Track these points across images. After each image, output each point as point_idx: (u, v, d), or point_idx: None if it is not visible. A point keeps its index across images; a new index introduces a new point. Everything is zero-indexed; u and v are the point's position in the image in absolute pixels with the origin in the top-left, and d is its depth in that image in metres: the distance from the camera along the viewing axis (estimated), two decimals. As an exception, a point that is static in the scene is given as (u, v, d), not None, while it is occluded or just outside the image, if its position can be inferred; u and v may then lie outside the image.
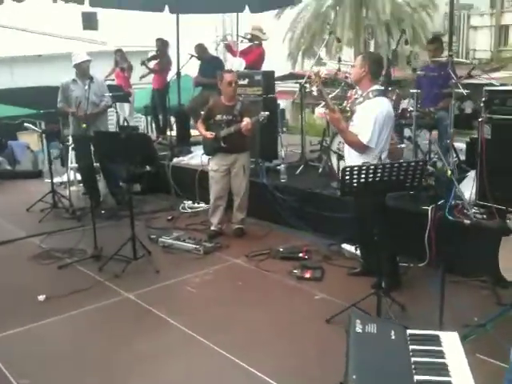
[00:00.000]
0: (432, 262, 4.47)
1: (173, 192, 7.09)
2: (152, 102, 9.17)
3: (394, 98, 5.61)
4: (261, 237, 5.49)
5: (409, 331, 1.82)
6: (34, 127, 7.34)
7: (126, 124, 8.76)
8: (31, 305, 4.08)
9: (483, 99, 4.30)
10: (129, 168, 5.17)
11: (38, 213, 6.51)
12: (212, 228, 5.58)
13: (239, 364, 3.22)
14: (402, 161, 3.71)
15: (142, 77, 9.57)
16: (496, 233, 3.72)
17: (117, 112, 8.09)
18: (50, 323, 3.82)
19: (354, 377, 1.59)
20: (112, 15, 18.61)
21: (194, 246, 5.10)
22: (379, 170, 3.27)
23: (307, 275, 4.41)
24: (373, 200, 3.69)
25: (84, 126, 6.07)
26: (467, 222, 3.97)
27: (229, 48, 8.01)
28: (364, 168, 3.25)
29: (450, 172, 3.18)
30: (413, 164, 3.33)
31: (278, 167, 6.26)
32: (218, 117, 5.39)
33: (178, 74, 8.37)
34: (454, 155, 5.60)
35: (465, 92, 5.14)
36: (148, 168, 7.28)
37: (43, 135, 8.97)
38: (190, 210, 6.52)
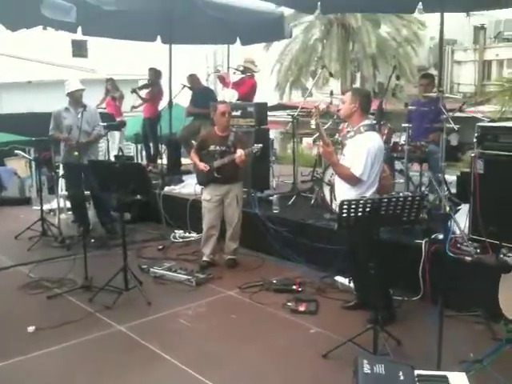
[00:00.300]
0: (426, 296, 4.46)
1: (163, 221, 7.06)
2: (143, 130, 9.19)
3: (386, 131, 5.71)
4: (253, 268, 5.46)
5: (416, 372, 1.80)
6: (24, 154, 7.29)
7: (120, 153, 8.74)
8: (20, 336, 3.98)
9: (476, 135, 4.39)
10: (120, 197, 5.15)
11: (26, 241, 6.42)
12: (204, 258, 5.54)
13: (235, 400, 3.16)
14: (400, 195, 3.73)
15: (134, 107, 9.62)
16: (496, 270, 3.74)
17: (107, 139, 8.08)
18: (39, 356, 3.72)
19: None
20: (102, 44, 18.74)
21: (187, 276, 5.04)
22: (376, 204, 3.28)
23: (301, 308, 4.37)
24: (368, 233, 3.71)
25: (76, 153, 6.07)
26: (468, 258, 3.98)
27: (222, 79, 8.10)
28: (362, 202, 3.26)
29: (448, 208, 3.19)
30: (410, 198, 3.36)
31: (271, 198, 6.28)
32: (212, 147, 5.42)
33: (170, 103, 8.42)
34: (445, 188, 5.65)
35: (455, 127, 5.24)
36: (138, 197, 7.23)
37: (32, 162, 8.96)
38: (181, 240, 6.48)
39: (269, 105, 7.75)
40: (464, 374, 1.85)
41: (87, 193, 6.71)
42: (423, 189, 5.88)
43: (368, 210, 3.26)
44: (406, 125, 5.39)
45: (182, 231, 6.64)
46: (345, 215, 3.31)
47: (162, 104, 9.02)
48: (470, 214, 4.48)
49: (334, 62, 24.57)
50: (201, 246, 5.61)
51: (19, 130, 10.91)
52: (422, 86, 6.31)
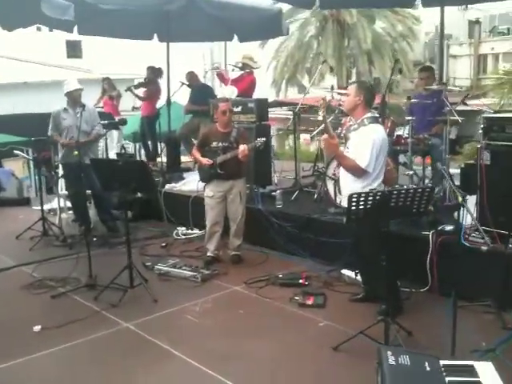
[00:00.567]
0: (434, 288, 4.45)
1: (165, 219, 7.02)
2: (141, 129, 9.12)
3: (389, 124, 5.68)
4: (258, 263, 5.42)
5: (442, 362, 1.77)
6: (24, 154, 7.24)
7: (122, 151, 8.69)
8: (26, 336, 3.94)
9: (482, 126, 4.36)
10: (121, 195, 5.10)
11: (27, 241, 6.36)
12: (208, 254, 5.50)
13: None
14: (410, 186, 3.71)
15: (135, 108, 9.54)
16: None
17: (106, 138, 8.03)
18: (46, 355, 3.68)
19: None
20: (97, 44, 18.69)
21: (192, 273, 5.00)
22: (386, 197, 3.25)
23: (309, 302, 4.34)
24: (377, 226, 3.68)
25: (75, 153, 6.02)
26: (484, 248, 3.96)
27: (220, 76, 8.05)
28: (371, 194, 3.23)
29: (461, 198, 3.16)
30: (420, 190, 3.33)
31: (273, 193, 6.23)
32: (214, 144, 5.37)
33: (169, 101, 8.37)
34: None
35: (460, 119, 5.21)
36: (139, 195, 7.18)
37: (31, 162, 8.90)
38: (183, 237, 6.43)
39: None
40: (490, 363, 1.82)
41: (88, 192, 6.67)
42: (427, 181, 5.85)
43: (377, 202, 3.23)
44: (410, 118, 5.35)
45: (184, 228, 6.60)
46: (354, 208, 3.27)
47: (160, 102, 8.97)
48: (477, 206, 4.45)
49: (329, 58, 24.53)
50: (205, 242, 5.57)
51: (16, 131, 10.84)
52: (422, 79, 6.28)
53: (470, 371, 1.74)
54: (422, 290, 4.49)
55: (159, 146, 8.86)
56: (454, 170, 6.02)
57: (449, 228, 4.64)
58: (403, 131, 5.58)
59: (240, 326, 4.07)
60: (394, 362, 1.73)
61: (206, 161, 5.35)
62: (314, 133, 6.41)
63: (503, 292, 3.81)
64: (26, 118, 11.38)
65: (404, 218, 4.26)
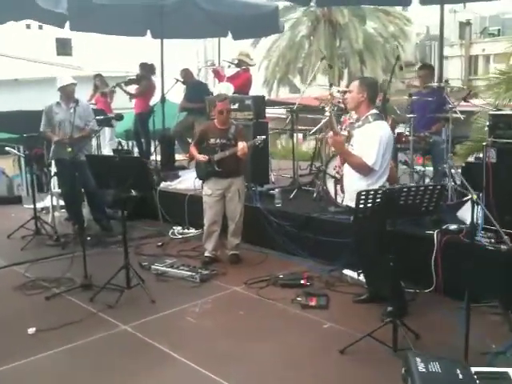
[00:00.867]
0: (439, 288, 4.37)
1: (160, 217, 6.88)
2: (134, 126, 8.96)
3: (389, 122, 5.59)
4: (257, 263, 5.31)
5: (473, 369, 1.67)
6: (16, 151, 7.07)
7: (120, 147, 8.52)
8: (20, 339, 3.79)
9: (487, 123, 4.29)
10: (115, 193, 4.96)
11: (19, 240, 6.20)
12: (206, 254, 5.38)
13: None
14: (420, 184, 3.61)
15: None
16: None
17: (98, 136, 7.89)
18: (41, 359, 3.54)
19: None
20: (87, 41, 18.47)
21: (190, 273, 4.88)
22: (396, 194, 3.16)
23: (312, 303, 4.24)
24: (384, 225, 3.59)
25: (69, 150, 5.88)
26: (504, 247, 3.87)
27: (216, 73, 7.93)
28: (380, 192, 3.14)
29: (475, 196, 3.07)
30: (430, 187, 3.24)
31: (272, 192, 6.13)
32: (212, 140, 5.26)
33: (163, 98, 8.23)
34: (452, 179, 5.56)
35: (462, 117, 5.15)
36: (134, 192, 7.04)
37: (22, 160, 8.71)
38: (180, 236, 6.31)
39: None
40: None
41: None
42: (427, 180, 5.78)
43: (386, 200, 3.13)
44: (411, 115, 5.27)
45: (180, 227, 6.47)
46: (362, 206, 3.17)
47: (154, 99, 8.83)
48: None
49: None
50: (203, 241, 5.45)
51: (6, 128, 10.64)
52: (420, 77, 6.22)
53: (506, 378, 1.64)
54: (426, 291, 4.41)
55: (152, 144, 8.72)
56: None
57: (453, 227, 4.56)
58: (405, 129, 5.49)
59: (241, 328, 3.95)
60: (424, 370, 1.63)
61: (201, 157, 5.23)
62: (313, 131, 6.31)
63: (510, 293, 3.73)
64: (16, 116, 11.18)
65: (412, 217, 4.17)
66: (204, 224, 5.44)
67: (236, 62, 7.58)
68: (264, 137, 5.18)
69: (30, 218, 6.43)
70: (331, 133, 3.86)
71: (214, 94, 7.38)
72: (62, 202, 7.00)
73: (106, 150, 9.04)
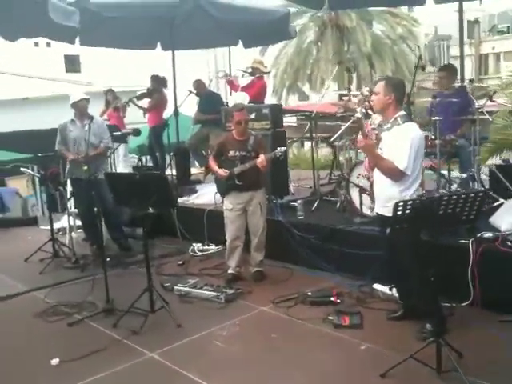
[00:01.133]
0: (476, 301, 4.16)
1: (179, 234, 6.73)
2: (149, 140, 8.84)
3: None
4: (283, 280, 5.12)
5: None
6: (31, 171, 6.97)
7: (140, 164, 8.41)
8: (44, 370, 3.64)
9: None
10: (134, 211, 4.80)
11: (37, 263, 6.08)
12: (230, 271, 5.21)
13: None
14: (461, 191, 3.43)
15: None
16: None
17: (112, 152, 7.77)
18: (67, 392, 3.39)
19: None
20: (96, 57, 18.51)
21: (215, 293, 4.70)
22: (435, 203, 2.97)
23: (345, 322, 4.03)
24: (420, 236, 3.41)
25: (85, 168, 5.79)
26: None
27: (230, 83, 7.79)
28: (419, 201, 2.95)
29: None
30: (472, 195, 3.04)
31: (294, 203, 5.94)
32: (231, 153, 5.10)
33: (176, 111, 8.11)
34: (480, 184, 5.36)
35: (490, 118, 4.95)
36: (151, 210, 6.89)
37: (36, 180, 8.64)
38: (200, 253, 6.15)
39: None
40: None
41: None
42: (454, 186, 5.57)
43: (425, 209, 2.94)
44: (436, 118, 5.07)
45: (200, 244, 6.31)
46: (399, 217, 2.99)
47: (167, 112, 8.71)
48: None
49: (329, 63, 24.39)
50: (225, 258, 5.28)
51: (18, 148, 10.60)
52: (441, 78, 6.01)
53: None
54: (463, 305, 4.19)
55: (167, 158, 8.59)
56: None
57: (488, 235, 4.34)
58: (430, 132, 5.27)
59: (274, 352, 3.75)
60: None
61: (222, 172, 5.07)
62: (333, 138, 6.11)
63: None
64: (28, 135, 11.16)
65: (452, 227, 3.96)
66: (226, 240, 5.28)
67: (250, 70, 7.45)
68: (285, 148, 5.03)
69: (47, 240, 6.31)
70: (360, 136, 3.67)
71: (229, 105, 7.27)
72: (78, 222, 6.89)
73: (121, 167, 8.92)
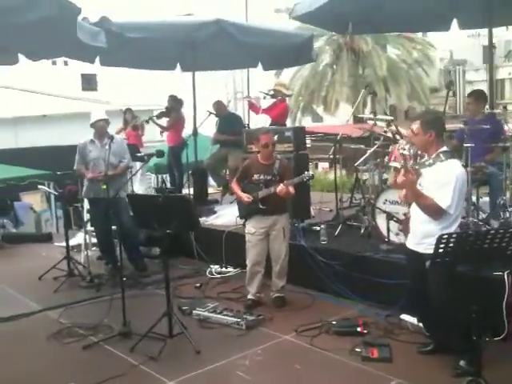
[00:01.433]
0: (510, 336, 3.96)
1: (196, 255, 6.59)
2: (168, 159, 8.77)
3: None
4: (304, 307, 4.94)
5: None
6: (49, 189, 6.89)
7: (164, 186, 8.34)
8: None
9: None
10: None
11: (51, 281, 5.97)
12: (249, 297, 5.05)
13: None
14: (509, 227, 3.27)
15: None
16: None
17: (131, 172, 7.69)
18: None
19: None
20: (112, 76, 18.60)
21: (235, 319, 4.53)
22: (481, 237, 2.82)
23: (373, 355, 3.84)
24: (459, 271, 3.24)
25: (103, 187, 5.70)
26: None
27: (251, 105, 7.71)
28: (465, 235, 2.80)
29: None
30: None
31: (316, 227, 5.79)
32: (256, 176, 4.98)
33: (195, 131, 8.04)
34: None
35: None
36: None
37: (51, 196, 8.57)
38: (218, 276, 5.99)
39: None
40: None
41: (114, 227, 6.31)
42: (482, 215, 5.40)
43: (471, 244, 2.79)
44: (468, 145, 4.93)
45: (217, 266, 6.16)
46: (442, 250, 2.83)
47: (186, 131, 8.65)
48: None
49: (345, 86, 24.43)
50: (245, 283, 5.12)
51: (35, 164, 10.60)
52: (469, 104, 5.88)
53: None
54: (496, 339, 3.99)
55: (185, 178, 8.50)
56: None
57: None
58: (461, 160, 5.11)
59: (299, 384, 3.59)
60: None
61: (246, 197, 4.93)
62: (358, 162, 5.97)
63: None
64: (46, 151, 11.15)
65: (497, 262, 3.78)
66: (245, 263, 5.13)
67: (272, 92, 7.38)
68: (312, 173, 4.90)
69: (62, 258, 6.20)
70: (403, 171, 3.52)
71: (250, 126, 7.20)
72: (94, 240, 6.78)
73: (137, 185, 8.86)
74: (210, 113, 8.03)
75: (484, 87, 24.76)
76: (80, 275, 6.04)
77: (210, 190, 8.95)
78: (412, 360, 3.82)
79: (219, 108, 8.13)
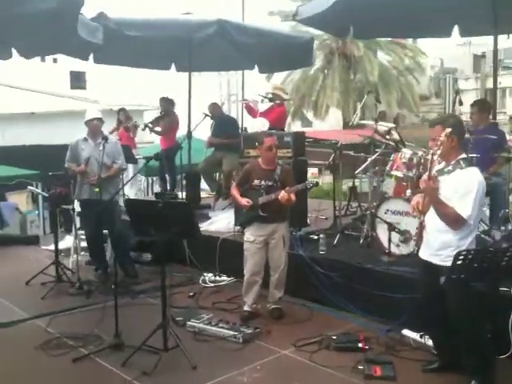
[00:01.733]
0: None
1: (188, 262, 6.41)
2: (160, 161, 8.57)
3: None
4: (303, 320, 4.78)
5: None
6: (39, 191, 6.66)
7: (163, 191, 8.13)
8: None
9: None
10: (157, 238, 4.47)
11: (38, 287, 5.74)
12: (245, 308, 4.87)
13: None
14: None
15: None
16: None
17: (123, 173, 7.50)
18: None
19: None
20: (101, 75, 18.31)
21: (232, 332, 4.36)
22: (499, 255, 2.69)
23: (376, 373, 3.69)
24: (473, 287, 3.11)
25: (96, 190, 5.55)
26: None
27: (248, 108, 7.55)
28: (483, 252, 2.67)
29: None
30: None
31: (314, 236, 5.65)
32: (256, 182, 4.82)
33: (189, 133, 7.86)
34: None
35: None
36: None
37: (39, 197, 8.33)
38: (212, 285, 5.81)
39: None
40: None
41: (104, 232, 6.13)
42: (483, 226, 5.30)
43: (489, 261, 2.66)
44: (474, 155, 4.82)
45: (211, 274, 5.98)
46: (459, 267, 2.70)
47: (180, 133, 8.48)
48: None
49: (336, 91, 24.36)
50: (242, 293, 4.94)
51: (22, 163, 10.34)
52: (474, 114, 5.77)
53: None
54: (501, 357, 3.86)
55: (181, 180, 8.30)
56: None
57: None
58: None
59: (300, 403, 3.43)
60: None
61: (245, 201, 4.78)
62: (359, 170, 5.85)
63: None
64: (33, 150, 10.88)
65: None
66: (241, 273, 4.97)
67: (270, 96, 7.23)
68: (316, 181, 4.76)
69: (50, 263, 5.97)
70: (425, 176, 3.38)
71: (248, 130, 7.05)
72: (83, 244, 6.57)
73: (127, 188, 8.63)
74: (206, 115, 7.85)
75: (473, 96, 24.81)
76: (69, 281, 5.81)
77: (203, 195, 8.76)
78: (416, 378, 3.69)
79: (214, 110, 7.98)
